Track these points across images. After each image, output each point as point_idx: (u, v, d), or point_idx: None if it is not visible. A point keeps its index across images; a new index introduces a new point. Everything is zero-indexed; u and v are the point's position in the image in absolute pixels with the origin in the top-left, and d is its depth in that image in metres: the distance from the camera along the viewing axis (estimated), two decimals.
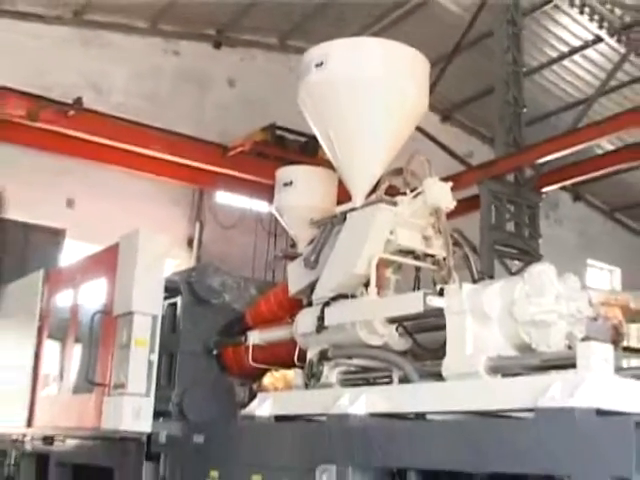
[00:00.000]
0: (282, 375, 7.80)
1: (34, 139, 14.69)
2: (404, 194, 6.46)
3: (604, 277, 24.30)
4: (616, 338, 5.42)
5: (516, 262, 15.62)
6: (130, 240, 7.49)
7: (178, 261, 16.85)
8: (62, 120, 14.38)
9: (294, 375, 6.56)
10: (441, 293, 5.38)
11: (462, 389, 4.87)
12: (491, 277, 14.51)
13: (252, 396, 7.80)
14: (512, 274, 15.29)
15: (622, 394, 4.33)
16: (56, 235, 14.92)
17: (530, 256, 15.33)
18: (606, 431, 3.85)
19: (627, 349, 12.59)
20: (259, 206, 16.63)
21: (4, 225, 14.27)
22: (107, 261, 7.85)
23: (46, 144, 14.89)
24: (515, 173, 15.87)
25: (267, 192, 14.23)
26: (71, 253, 15.45)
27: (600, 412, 4.10)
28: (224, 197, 17.12)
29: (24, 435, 9.63)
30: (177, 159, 15.39)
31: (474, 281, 6.40)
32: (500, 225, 15.35)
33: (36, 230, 14.65)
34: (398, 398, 5.26)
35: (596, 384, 4.18)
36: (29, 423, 9.09)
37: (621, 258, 22.86)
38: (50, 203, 14.88)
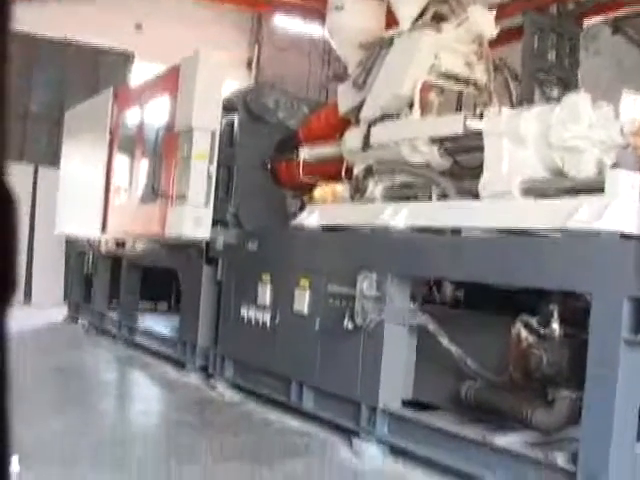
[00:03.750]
0: (331, 188, 7.66)
1: None
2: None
3: (638, 107, 23.28)
4: None
5: (555, 90, 15.01)
6: (191, 61, 7.25)
7: (238, 82, 16.58)
8: None
9: (342, 188, 6.44)
10: (481, 116, 5.14)
11: (497, 207, 4.71)
12: (531, 102, 14.10)
13: (303, 207, 7.75)
14: (550, 101, 14.78)
15: None
16: (125, 57, 14.59)
17: (569, 85, 14.73)
18: (628, 254, 3.70)
19: None
20: (313, 30, 16.06)
21: (76, 49, 13.99)
22: (170, 81, 7.65)
23: None
24: (558, 5, 15.03)
25: (321, 15, 13.73)
26: (140, 74, 15.21)
27: (624, 236, 3.94)
28: (281, 21, 16.52)
29: (99, 239, 9.77)
30: None
31: (513, 105, 6.14)
32: (542, 54, 14.68)
33: (107, 53, 14.31)
34: (436, 213, 5.14)
35: (622, 209, 4.00)
36: (103, 229, 9.19)
37: None
38: (119, 28, 14.46)
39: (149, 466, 4.65)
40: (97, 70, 14.21)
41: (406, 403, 5.32)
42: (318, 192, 7.55)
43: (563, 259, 4.00)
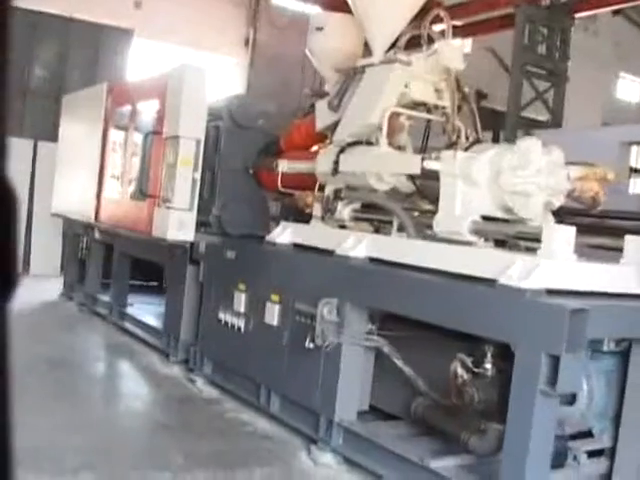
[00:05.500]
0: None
1: None
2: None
3: (635, 89, 23.55)
4: (593, 206, 5.58)
5: (543, 83, 15.27)
6: (178, 73, 7.61)
7: (236, 59, 16.85)
8: None
9: (314, 208, 6.85)
10: (438, 157, 5.53)
11: (444, 251, 5.14)
12: (518, 95, 14.40)
13: (283, 210, 8.19)
14: (538, 93, 15.06)
15: (576, 274, 4.60)
16: (125, 34, 14.84)
17: (558, 78, 15.00)
18: (547, 314, 4.14)
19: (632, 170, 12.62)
20: (312, 10, 16.28)
21: (77, 26, 14.27)
22: (159, 87, 8.00)
23: None
24: None
25: None
26: (139, 51, 15.50)
27: (550, 292, 4.38)
28: (279, 0, 16.76)
29: (93, 225, 10.21)
30: None
31: (477, 133, 6.53)
32: (532, 47, 14.89)
33: (106, 30, 14.58)
34: (393, 248, 5.58)
35: (550, 268, 4.44)
36: (96, 218, 9.63)
37: None
38: (119, 5, 14.73)
39: (121, 470, 5.17)
40: (97, 47, 14.51)
41: (367, 412, 5.87)
42: (299, 194, 7.95)
43: (493, 309, 4.45)
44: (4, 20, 0.86)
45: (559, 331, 4.01)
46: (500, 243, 5.45)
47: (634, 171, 13.89)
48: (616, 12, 19.59)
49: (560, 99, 15.00)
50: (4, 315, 0.88)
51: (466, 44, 18.94)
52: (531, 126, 14.17)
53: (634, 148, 12.36)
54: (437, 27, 6.79)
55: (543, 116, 15.16)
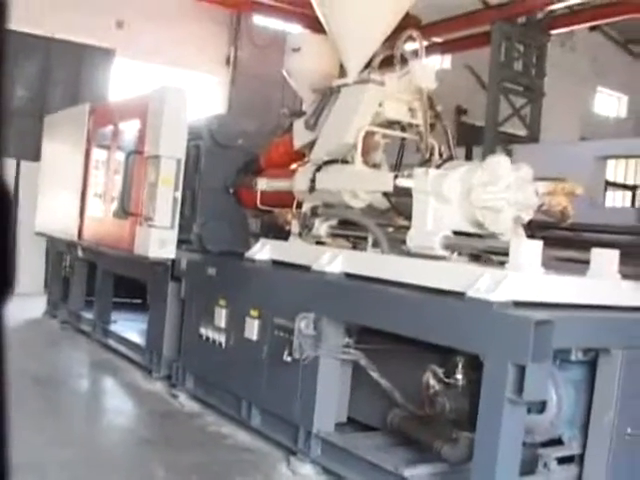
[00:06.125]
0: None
1: None
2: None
3: (612, 103, 23.91)
4: (562, 219, 5.74)
5: (520, 99, 15.54)
6: (158, 94, 7.78)
7: (218, 78, 17.04)
8: None
9: (292, 225, 7.02)
10: (410, 175, 5.71)
11: (417, 266, 5.31)
12: (496, 111, 14.61)
13: (263, 227, 8.35)
14: (515, 109, 15.32)
15: (542, 287, 4.77)
16: (107, 54, 14.99)
17: (535, 93, 15.27)
18: (513, 326, 4.31)
19: (608, 183, 12.71)
20: (293, 29, 16.50)
21: (59, 45, 14.40)
22: (140, 108, 8.17)
23: None
24: (527, 15, 15.32)
25: (299, 17, 14.38)
26: (121, 70, 15.65)
27: (518, 304, 4.56)
28: (260, 19, 16.97)
29: (76, 244, 10.33)
30: None
31: (450, 151, 6.72)
32: (509, 63, 15.16)
33: (88, 49, 14.70)
34: (368, 264, 5.75)
35: (517, 281, 4.61)
36: (79, 236, 9.76)
37: (630, 87, 22.42)
38: (101, 25, 14.88)
39: None
40: (79, 67, 14.64)
41: (344, 424, 6.01)
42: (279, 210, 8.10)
43: (463, 321, 4.62)
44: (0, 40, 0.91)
45: (525, 342, 4.17)
46: (474, 257, 5.63)
47: (610, 184, 14.17)
48: (593, 28, 19.92)
49: (537, 114, 15.27)
50: (2, 315, 0.91)
51: (445, 61, 19.33)
52: (509, 141, 14.44)
53: (610, 162, 12.62)
54: (411, 45, 7.01)
55: (521, 131, 15.45)
